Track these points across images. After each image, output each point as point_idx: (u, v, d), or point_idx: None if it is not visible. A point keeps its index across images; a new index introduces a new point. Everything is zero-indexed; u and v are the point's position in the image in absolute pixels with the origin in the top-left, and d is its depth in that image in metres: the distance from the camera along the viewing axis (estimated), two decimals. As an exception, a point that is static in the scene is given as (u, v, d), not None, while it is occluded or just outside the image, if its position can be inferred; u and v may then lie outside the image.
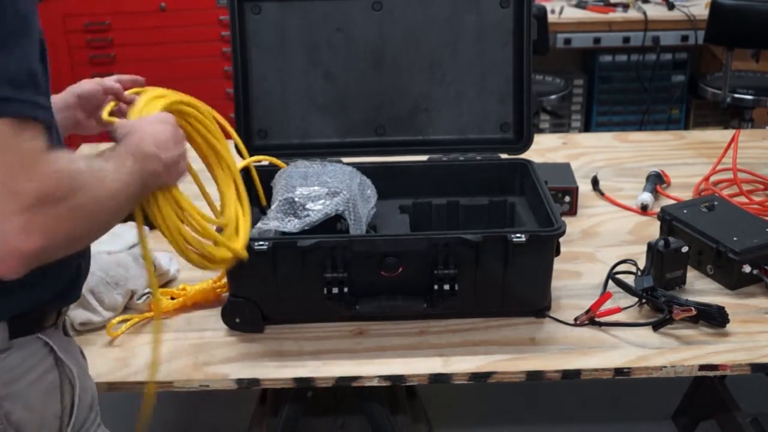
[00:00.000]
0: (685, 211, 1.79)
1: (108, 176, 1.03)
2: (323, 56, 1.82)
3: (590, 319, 1.55)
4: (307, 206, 1.56)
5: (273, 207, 1.58)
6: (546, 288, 1.58)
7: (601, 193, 2.08)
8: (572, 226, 1.85)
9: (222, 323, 1.56)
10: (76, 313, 1.54)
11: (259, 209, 1.73)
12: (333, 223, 1.57)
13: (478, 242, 1.48)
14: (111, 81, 1.39)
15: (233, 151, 1.79)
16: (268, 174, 1.73)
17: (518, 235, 1.48)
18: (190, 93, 1.33)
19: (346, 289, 1.50)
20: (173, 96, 1.28)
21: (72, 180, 0.97)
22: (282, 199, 1.58)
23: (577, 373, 1.46)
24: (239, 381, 1.45)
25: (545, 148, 2.32)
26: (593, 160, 2.27)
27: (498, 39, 1.81)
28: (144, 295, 1.62)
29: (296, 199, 1.57)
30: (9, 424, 1.08)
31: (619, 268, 1.70)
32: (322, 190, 1.59)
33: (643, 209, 1.99)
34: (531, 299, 1.57)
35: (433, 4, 1.80)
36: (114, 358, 1.50)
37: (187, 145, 1.26)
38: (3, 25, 0.94)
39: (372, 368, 1.46)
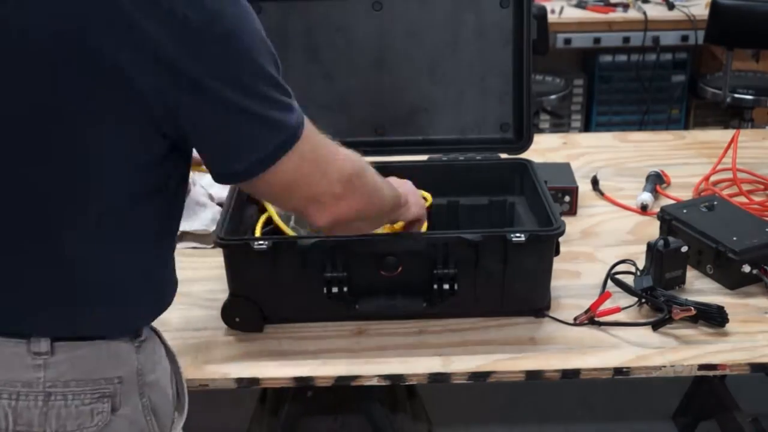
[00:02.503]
0: (684, 211, 1.79)
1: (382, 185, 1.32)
2: (323, 56, 1.82)
3: (590, 318, 1.55)
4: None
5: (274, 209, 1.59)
6: (545, 288, 1.58)
7: (601, 193, 2.08)
8: (572, 226, 1.85)
9: (222, 323, 1.56)
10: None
11: (257, 208, 1.73)
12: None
13: (477, 242, 1.48)
14: None
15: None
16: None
17: (518, 234, 1.48)
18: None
19: (345, 289, 1.50)
20: None
21: (361, 168, 1.22)
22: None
23: (576, 372, 1.46)
24: (239, 380, 1.45)
25: (545, 148, 2.32)
26: (593, 160, 2.27)
27: (498, 39, 1.81)
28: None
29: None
30: (150, 411, 1.16)
31: (618, 268, 1.70)
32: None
33: (643, 209, 1.99)
34: (530, 299, 1.57)
35: (433, 4, 1.80)
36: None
37: None
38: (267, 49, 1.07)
39: (371, 367, 1.46)
